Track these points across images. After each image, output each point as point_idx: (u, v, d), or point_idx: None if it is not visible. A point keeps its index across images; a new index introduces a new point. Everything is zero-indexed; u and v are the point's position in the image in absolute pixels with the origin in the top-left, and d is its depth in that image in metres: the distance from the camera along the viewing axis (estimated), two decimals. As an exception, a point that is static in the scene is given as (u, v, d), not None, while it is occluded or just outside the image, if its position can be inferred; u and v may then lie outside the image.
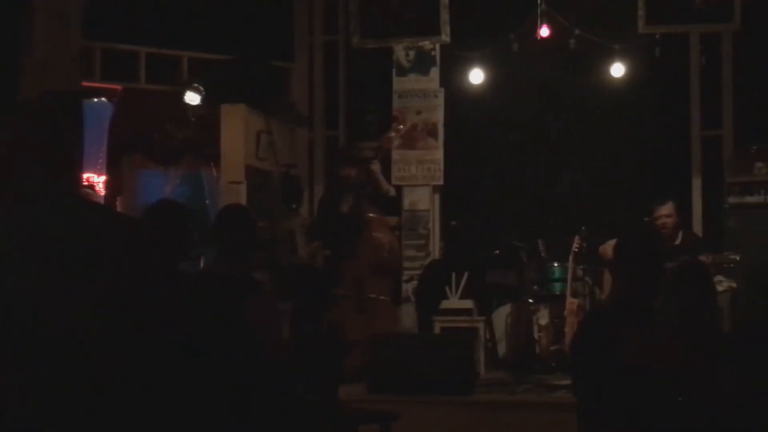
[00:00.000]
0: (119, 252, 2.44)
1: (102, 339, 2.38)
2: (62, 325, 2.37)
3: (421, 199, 9.90)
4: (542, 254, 8.94)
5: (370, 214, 8.54)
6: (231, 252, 4.19)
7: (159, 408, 2.44)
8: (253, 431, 3.87)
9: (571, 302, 8.51)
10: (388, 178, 9.49)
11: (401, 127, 8.84)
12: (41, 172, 2.55)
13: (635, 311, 3.60)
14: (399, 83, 9.99)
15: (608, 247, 7.64)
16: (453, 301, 8.61)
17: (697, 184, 9.78)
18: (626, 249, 3.82)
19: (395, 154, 9.75)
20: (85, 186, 8.93)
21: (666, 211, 8.22)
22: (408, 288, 9.59)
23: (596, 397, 3.59)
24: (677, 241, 8.21)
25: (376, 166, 8.55)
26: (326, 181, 10.14)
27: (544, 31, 9.44)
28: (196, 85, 8.95)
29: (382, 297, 8.46)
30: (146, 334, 2.43)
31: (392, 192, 8.93)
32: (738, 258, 7.93)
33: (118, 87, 9.56)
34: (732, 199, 9.20)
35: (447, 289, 8.64)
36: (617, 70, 9.54)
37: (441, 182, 9.92)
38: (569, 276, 8.60)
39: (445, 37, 9.73)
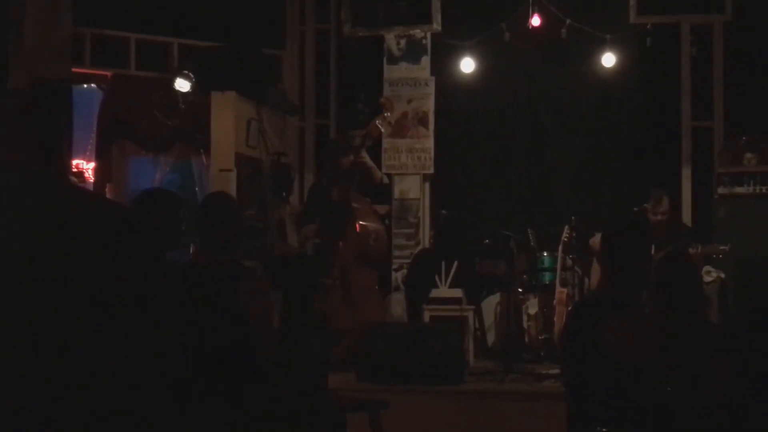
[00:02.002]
0: (108, 240, 2.43)
1: (90, 328, 2.38)
2: (48, 315, 2.36)
3: (411, 188, 9.91)
4: (532, 244, 8.96)
5: (359, 202, 8.55)
6: (216, 240, 4.17)
7: (149, 395, 2.44)
8: (242, 418, 3.87)
9: (560, 292, 8.53)
10: (377, 166, 9.49)
11: (388, 114, 8.84)
12: (30, 160, 2.54)
13: (622, 302, 3.60)
14: (390, 72, 9.98)
15: (598, 240, 7.67)
16: (442, 290, 8.63)
17: (687, 174, 9.80)
18: (613, 240, 3.82)
19: (385, 143, 9.75)
20: (74, 173, 8.91)
21: (664, 207, 8.24)
22: (397, 277, 9.60)
23: (584, 388, 3.60)
24: (667, 232, 8.23)
25: (364, 157, 8.56)
26: (317, 169, 10.13)
27: (536, 21, 9.44)
28: (186, 72, 8.92)
29: (369, 286, 8.47)
30: (135, 322, 2.43)
31: (385, 180, 8.94)
32: (727, 249, 7.96)
33: (107, 73, 9.52)
34: (722, 190, 9.23)
35: (436, 278, 8.65)
36: (608, 60, 9.55)
37: (431, 171, 9.92)
38: (558, 266, 8.62)
39: (437, 26, 9.72)
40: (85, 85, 9.48)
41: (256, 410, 3.87)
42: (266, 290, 4.36)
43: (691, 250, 7.44)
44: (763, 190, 9.09)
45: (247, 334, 3.83)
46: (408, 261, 9.53)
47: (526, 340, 8.72)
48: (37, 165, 2.51)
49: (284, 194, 9.49)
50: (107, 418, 2.36)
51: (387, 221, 9.45)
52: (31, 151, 2.52)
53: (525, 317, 8.77)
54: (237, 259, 4.31)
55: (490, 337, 9.04)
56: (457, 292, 8.59)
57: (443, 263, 8.68)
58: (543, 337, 8.67)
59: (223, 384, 3.75)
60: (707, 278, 8.05)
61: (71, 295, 2.36)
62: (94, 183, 9.35)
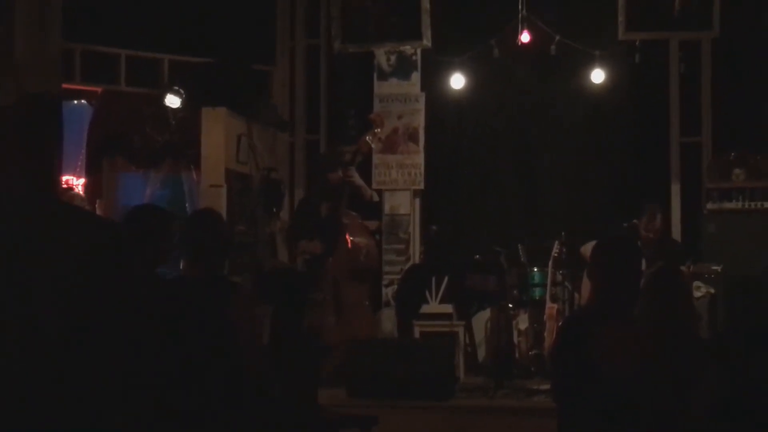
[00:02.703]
0: (95, 255, 2.43)
1: (75, 342, 2.37)
2: (35, 329, 2.36)
3: (402, 204, 9.91)
4: (522, 259, 8.96)
5: (349, 217, 8.55)
6: (203, 256, 4.14)
7: (138, 410, 2.44)
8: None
9: (551, 307, 8.54)
10: (368, 182, 9.50)
11: (378, 130, 8.87)
12: (20, 175, 2.54)
13: (612, 317, 3.60)
14: (380, 87, 10.00)
15: (590, 248, 7.66)
16: (433, 306, 8.63)
17: (676, 189, 9.83)
18: (604, 255, 3.83)
19: (376, 159, 9.76)
20: (65, 189, 8.88)
21: (658, 224, 8.25)
22: (388, 292, 9.59)
23: (574, 403, 3.60)
24: (659, 249, 8.23)
25: (354, 176, 8.53)
26: (308, 184, 10.13)
27: (525, 37, 9.47)
28: (176, 87, 8.93)
29: (359, 301, 8.47)
30: (122, 337, 2.42)
31: (376, 198, 8.91)
32: (719, 270, 7.98)
33: (98, 89, 9.52)
34: (710, 205, 9.26)
35: (427, 293, 8.64)
36: (597, 76, 9.58)
37: (421, 187, 9.93)
38: (549, 281, 8.63)
39: (427, 42, 9.75)
40: (75, 101, 9.47)
41: (244, 426, 3.85)
42: (254, 306, 4.35)
43: (683, 268, 7.45)
44: (752, 206, 9.13)
45: (235, 350, 3.82)
46: (398, 276, 9.52)
47: (517, 355, 8.71)
48: (25, 180, 2.51)
49: (274, 210, 9.49)
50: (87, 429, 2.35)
51: (378, 236, 9.45)
52: (20, 166, 2.52)
53: (515, 333, 8.76)
54: (225, 274, 4.30)
55: (481, 353, 9.03)
56: (448, 308, 8.58)
57: (433, 279, 8.67)
58: (533, 352, 8.67)
59: (210, 400, 3.74)
60: (697, 293, 8.07)
61: (57, 309, 2.35)
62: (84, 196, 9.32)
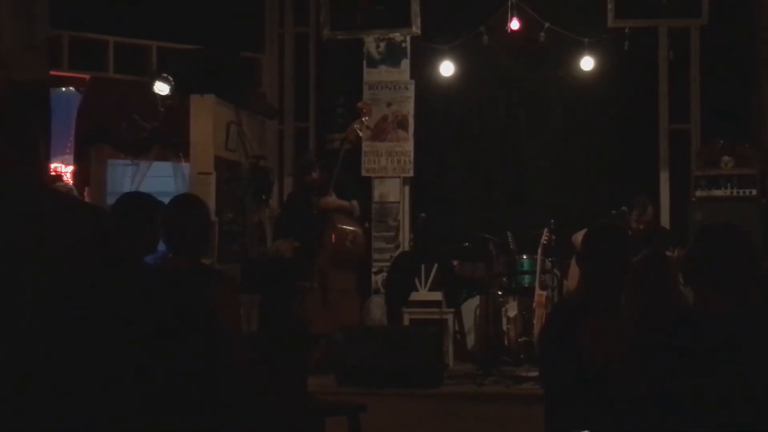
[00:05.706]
0: (83, 243, 2.43)
1: (61, 330, 2.37)
2: (22, 316, 2.36)
3: (391, 191, 9.91)
4: (511, 247, 8.98)
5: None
6: (182, 243, 4.06)
7: (119, 399, 2.44)
8: (220, 423, 3.86)
9: (540, 294, 8.56)
10: (357, 169, 9.51)
11: (366, 118, 8.82)
12: (5, 162, 2.53)
13: (600, 305, 3.61)
14: (369, 75, 9.99)
15: (581, 236, 7.67)
16: (422, 293, 8.65)
17: (664, 177, 9.85)
18: (592, 243, 3.83)
19: (365, 146, 9.75)
20: (53, 176, 8.87)
21: (649, 216, 8.26)
22: (377, 280, 9.61)
23: (561, 390, 3.61)
24: (648, 240, 8.25)
25: (328, 200, 8.44)
26: (295, 175, 10.12)
27: (515, 24, 9.47)
28: (165, 75, 8.89)
29: (347, 289, 8.48)
30: (107, 325, 2.42)
31: (357, 210, 8.78)
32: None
33: (86, 76, 9.48)
34: (699, 193, 9.28)
35: (416, 281, 8.66)
36: (586, 63, 9.59)
37: (411, 174, 9.94)
38: (538, 268, 8.65)
39: (416, 30, 9.73)
40: (63, 89, 9.43)
41: (231, 416, 3.86)
42: (238, 294, 4.32)
43: (668, 253, 7.46)
44: (740, 193, 9.15)
45: (218, 339, 3.81)
46: (388, 264, 9.53)
47: (506, 342, 8.74)
48: (13, 168, 2.50)
49: (263, 197, 9.48)
50: (73, 423, 2.35)
51: (367, 224, 9.45)
52: (7, 154, 2.51)
53: (504, 320, 8.80)
54: (210, 262, 4.29)
55: (470, 340, 9.06)
56: (437, 295, 8.60)
57: (423, 266, 8.69)
58: (522, 339, 8.70)
59: (193, 389, 3.73)
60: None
61: (43, 298, 2.35)
62: (73, 186, 9.30)
